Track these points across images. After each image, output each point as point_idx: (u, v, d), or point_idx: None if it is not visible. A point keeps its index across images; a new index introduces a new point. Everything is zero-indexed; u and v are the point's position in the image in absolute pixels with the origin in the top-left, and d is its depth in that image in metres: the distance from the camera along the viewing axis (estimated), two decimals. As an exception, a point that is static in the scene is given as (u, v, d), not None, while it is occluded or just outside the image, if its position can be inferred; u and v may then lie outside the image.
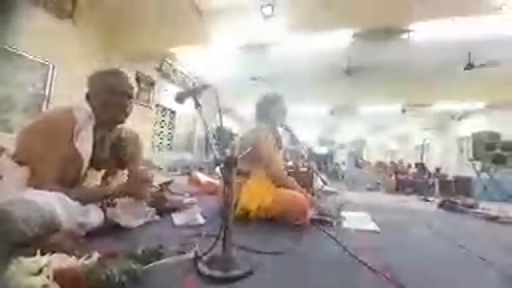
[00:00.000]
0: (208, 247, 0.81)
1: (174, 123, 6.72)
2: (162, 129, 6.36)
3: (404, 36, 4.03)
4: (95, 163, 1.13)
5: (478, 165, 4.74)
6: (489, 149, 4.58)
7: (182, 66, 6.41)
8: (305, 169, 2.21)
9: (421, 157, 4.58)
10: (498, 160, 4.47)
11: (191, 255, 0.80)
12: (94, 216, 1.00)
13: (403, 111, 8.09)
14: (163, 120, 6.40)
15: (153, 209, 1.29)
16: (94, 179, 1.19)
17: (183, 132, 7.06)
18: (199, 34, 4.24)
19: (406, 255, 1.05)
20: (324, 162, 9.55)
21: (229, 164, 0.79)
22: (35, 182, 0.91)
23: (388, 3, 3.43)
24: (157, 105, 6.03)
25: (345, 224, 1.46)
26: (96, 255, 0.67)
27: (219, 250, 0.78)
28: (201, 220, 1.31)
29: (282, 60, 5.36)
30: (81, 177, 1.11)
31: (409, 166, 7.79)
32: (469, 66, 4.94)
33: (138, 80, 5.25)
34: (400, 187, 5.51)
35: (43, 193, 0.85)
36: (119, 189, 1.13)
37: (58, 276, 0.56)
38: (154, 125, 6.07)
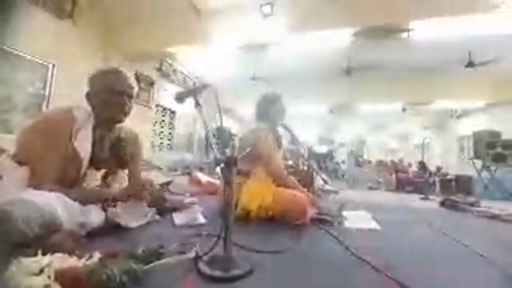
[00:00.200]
0: (208, 247, 0.81)
1: (174, 123, 6.72)
2: (162, 129, 6.36)
3: (404, 35, 4.03)
4: (94, 163, 1.13)
5: (479, 163, 4.74)
6: (489, 148, 4.58)
7: (182, 66, 6.41)
8: (305, 168, 2.21)
9: (422, 156, 4.59)
10: (499, 159, 4.47)
11: (191, 255, 0.80)
12: (95, 216, 1.00)
13: (403, 109, 8.08)
14: (163, 120, 6.40)
15: (154, 209, 1.29)
16: (94, 178, 1.19)
17: (183, 132, 7.06)
18: (199, 33, 4.23)
19: (407, 254, 1.05)
20: (324, 161, 9.54)
21: (229, 164, 0.79)
22: (35, 182, 0.91)
23: (388, 2, 3.43)
24: (157, 105, 6.03)
25: (346, 223, 1.45)
26: (97, 255, 0.67)
27: (220, 250, 0.78)
28: (202, 220, 1.31)
29: (282, 60, 5.36)
30: (81, 177, 1.11)
31: (410, 165, 7.80)
32: (470, 64, 4.94)
33: (137, 79, 5.25)
34: (401, 186, 5.51)
35: (43, 193, 0.85)
36: (120, 193, 1.14)
37: (59, 276, 0.56)
38: (154, 125, 6.07)
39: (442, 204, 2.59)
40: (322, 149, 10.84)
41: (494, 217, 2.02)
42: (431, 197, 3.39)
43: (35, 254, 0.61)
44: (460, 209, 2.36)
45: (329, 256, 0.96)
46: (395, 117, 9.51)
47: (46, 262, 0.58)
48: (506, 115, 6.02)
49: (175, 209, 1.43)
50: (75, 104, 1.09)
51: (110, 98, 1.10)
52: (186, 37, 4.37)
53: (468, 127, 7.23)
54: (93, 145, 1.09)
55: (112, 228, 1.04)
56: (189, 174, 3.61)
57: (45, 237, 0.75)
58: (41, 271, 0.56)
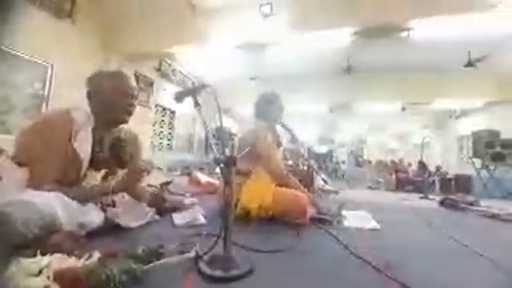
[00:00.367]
0: (208, 247, 0.81)
1: (173, 123, 6.71)
2: (161, 129, 6.35)
3: (404, 34, 4.03)
4: (94, 164, 1.13)
5: (478, 163, 4.75)
6: (488, 147, 4.60)
7: (181, 66, 6.40)
8: (305, 168, 2.21)
9: (421, 156, 4.60)
10: (498, 158, 4.49)
11: (191, 254, 0.80)
12: (95, 216, 0.99)
13: (403, 109, 8.08)
14: (162, 120, 6.39)
15: (153, 209, 1.29)
16: (94, 179, 1.19)
17: (183, 132, 7.05)
18: (198, 33, 4.23)
19: (407, 253, 1.05)
20: (324, 161, 9.55)
21: (229, 164, 0.79)
22: (35, 183, 0.91)
23: (388, 1, 3.43)
24: (157, 105, 6.02)
25: (346, 223, 1.45)
26: (96, 255, 0.67)
27: (220, 249, 0.78)
28: (202, 220, 1.30)
29: (282, 59, 5.36)
30: (81, 178, 1.10)
31: (409, 164, 7.80)
32: (469, 64, 4.94)
33: (136, 80, 5.24)
34: (400, 186, 5.52)
35: (42, 193, 0.84)
36: (117, 185, 1.13)
37: (59, 276, 0.56)
38: (154, 125, 6.05)
39: (442, 203, 2.59)
40: (322, 149, 10.85)
41: (493, 216, 2.03)
42: (430, 196, 3.39)
43: (34, 255, 0.61)
44: (459, 208, 2.36)
45: (329, 256, 0.96)
46: (395, 116, 9.51)
47: (45, 263, 0.58)
48: (505, 114, 6.03)
49: (175, 209, 1.43)
50: (74, 106, 1.09)
51: (116, 99, 1.10)
52: (185, 37, 4.37)
53: (467, 126, 7.24)
54: (93, 146, 1.09)
55: (111, 228, 1.04)
56: (188, 174, 3.61)
57: (45, 238, 0.75)
58: (40, 271, 0.56)
